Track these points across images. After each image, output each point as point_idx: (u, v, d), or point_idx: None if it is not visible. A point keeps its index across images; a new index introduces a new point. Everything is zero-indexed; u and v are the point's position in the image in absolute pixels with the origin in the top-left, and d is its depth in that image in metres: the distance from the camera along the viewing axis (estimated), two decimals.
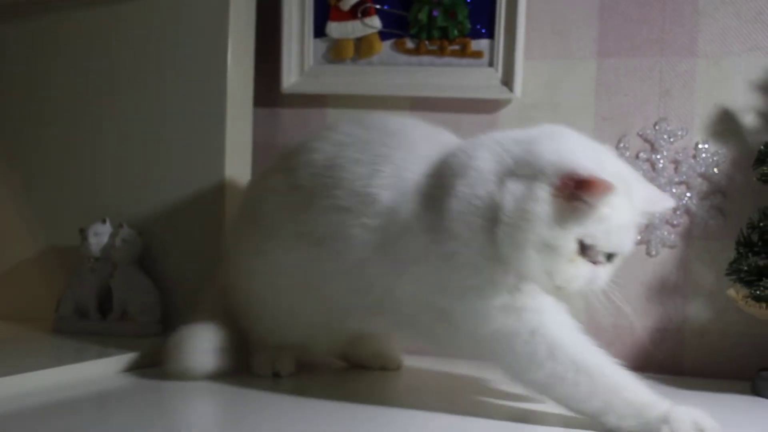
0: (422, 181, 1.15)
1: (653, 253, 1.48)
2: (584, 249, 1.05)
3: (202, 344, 1.27)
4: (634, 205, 1.08)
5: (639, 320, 1.47)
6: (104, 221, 1.55)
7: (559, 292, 1.08)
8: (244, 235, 1.32)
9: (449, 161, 1.14)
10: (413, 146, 1.20)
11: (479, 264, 1.07)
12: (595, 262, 1.07)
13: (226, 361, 1.28)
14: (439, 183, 1.12)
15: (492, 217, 1.06)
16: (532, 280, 1.07)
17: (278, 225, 1.26)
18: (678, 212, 1.47)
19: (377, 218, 1.16)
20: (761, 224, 1.31)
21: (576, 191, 1.03)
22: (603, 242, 1.05)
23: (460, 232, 1.07)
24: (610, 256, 1.09)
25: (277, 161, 1.33)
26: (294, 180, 1.26)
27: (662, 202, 1.15)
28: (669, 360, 1.47)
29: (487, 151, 1.11)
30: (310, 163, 1.25)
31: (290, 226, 1.25)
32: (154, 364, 1.34)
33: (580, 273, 1.06)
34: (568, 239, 1.04)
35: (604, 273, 1.09)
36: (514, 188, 1.05)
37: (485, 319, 1.07)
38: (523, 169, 1.06)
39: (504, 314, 1.07)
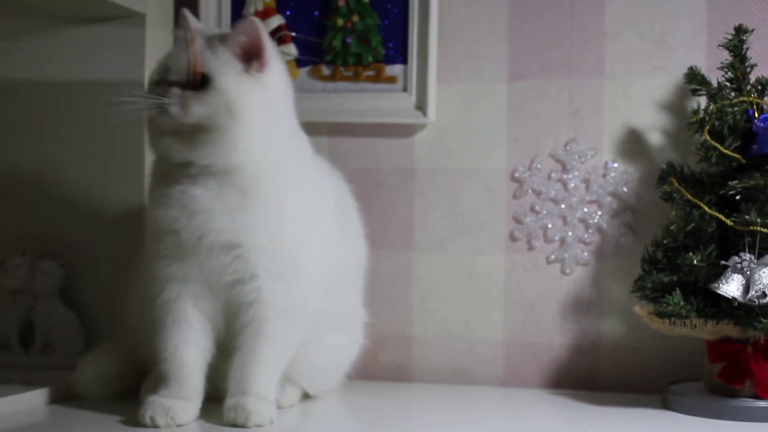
0: None
1: (567, 271, 1.51)
2: None
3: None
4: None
5: (554, 337, 1.51)
6: (24, 253, 1.55)
7: None
8: None
9: None
10: None
11: None
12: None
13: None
14: None
15: None
16: None
17: None
18: (590, 231, 1.50)
19: None
20: (665, 241, 1.34)
21: None
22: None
23: None
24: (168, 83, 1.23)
25: None
26: None
27: None
28: (584, 375, 1.50)
29: None
30: None
31: None
32: (77, 396, 1.35)
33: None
34: None
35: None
36: None
37: None
38: None
39: None
